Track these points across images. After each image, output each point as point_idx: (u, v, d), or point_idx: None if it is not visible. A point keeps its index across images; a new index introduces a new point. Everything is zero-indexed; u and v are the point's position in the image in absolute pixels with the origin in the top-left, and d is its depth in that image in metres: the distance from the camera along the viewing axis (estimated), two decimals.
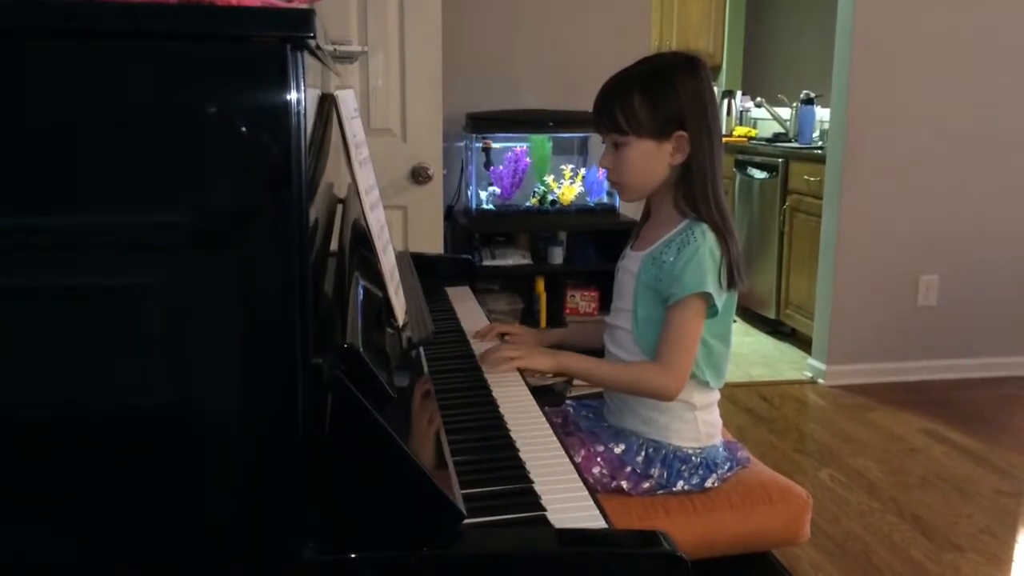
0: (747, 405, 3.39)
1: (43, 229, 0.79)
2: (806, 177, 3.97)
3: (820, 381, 3.65)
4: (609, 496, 1.42)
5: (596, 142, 3.03)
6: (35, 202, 0.78)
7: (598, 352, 1.60)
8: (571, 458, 1.18)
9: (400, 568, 0.85)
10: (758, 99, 5.39)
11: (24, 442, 0.82)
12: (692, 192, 1.44)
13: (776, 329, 4.36)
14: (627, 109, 1.42)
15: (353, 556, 0.84)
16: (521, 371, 1.51)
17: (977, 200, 3.60)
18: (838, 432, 3.12)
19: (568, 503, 1.03)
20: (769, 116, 5.11)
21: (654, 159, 1.44)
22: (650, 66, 1.46)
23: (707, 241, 1.40)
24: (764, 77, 5.76)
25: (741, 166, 4.62)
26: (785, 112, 4.93)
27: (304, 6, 0.80)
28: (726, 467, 1.50)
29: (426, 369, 1.45)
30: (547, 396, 1.43)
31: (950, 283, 3.64)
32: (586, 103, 1.51)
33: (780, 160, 4.23)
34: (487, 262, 3.07)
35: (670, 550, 0.88)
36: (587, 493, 1.07)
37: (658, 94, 1.41)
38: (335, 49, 1.55)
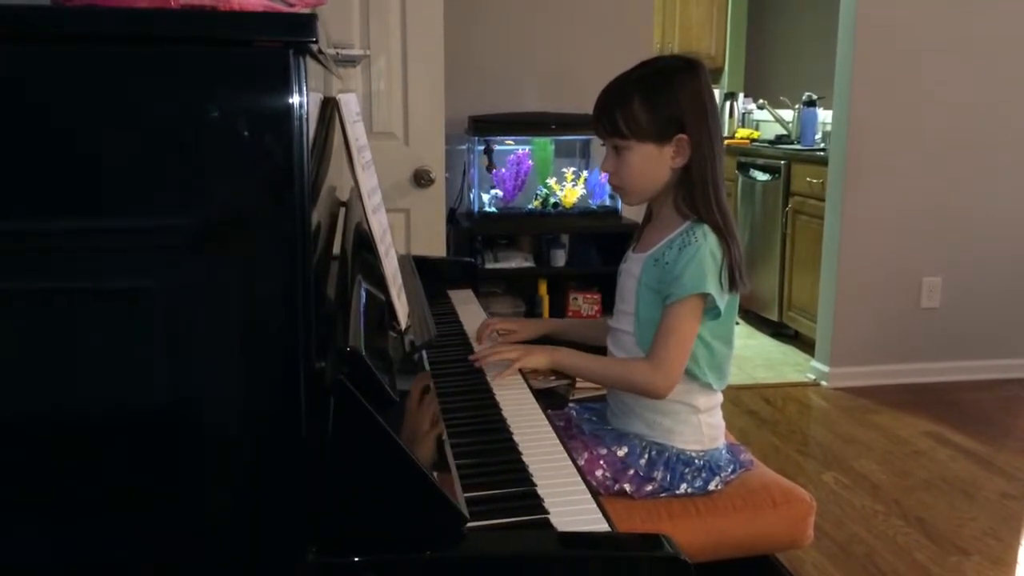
0: (750, 407, 3.38)
1: (46, 233, 0.79)
2: (808, 179, 3.96)
3: (823, 383, 3.64)
4: (612, 499, 1.42)
5: (598, 144, 3.02)
6: (39, 206, 0.79)
7: (598, 349, 1.60)
8: (574, 461, 1.18)
9: (403, 571, 0.85)
10: (760, 101, 5.39)
11: (28, 444, 0.82)
12: (693, 194, 1.44)
13: (779, 331, 4.35)
14: (627, 113, 1.42)
15: (356, 559, 0.84)
16: (523, 373, 1.52)
17: (980, 201, 3.60)
18: (841, 434, 3.11)
19: (571, 506, 1.03)
20: (771, 118, 5.11)
21: (655, 162, 1.44)
22: (649, 69, 1.45)
23: (708, 242, 1.40)
24: (766, 79, 5.76)
25: (743, 168, 4.62)
26: (787, 114, 4.92)
27: (306, 10, 0.80)
28: (729, 470, 1.50)
29: (429, 373, 1.45)
30: (550, 399, 1.43)
31: (953, 285, 3.63)
32: (588, 106, 1.51)
33: (782, 162, 4.23)
34: (489, 265, 3.07)
35: (673, 553, 0.88)
36: (590, 496, 1.07)
37: (658, 97, 1.41)
38: (337, 53, 1.55)
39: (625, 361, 1.49)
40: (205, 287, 0.81)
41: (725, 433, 1.56)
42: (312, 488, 0.84)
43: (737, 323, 1.54)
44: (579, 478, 1.12)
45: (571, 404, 1.69)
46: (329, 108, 1.14)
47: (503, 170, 3.10)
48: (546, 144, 3.12)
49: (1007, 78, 3.54)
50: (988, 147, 3.57)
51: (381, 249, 1.11)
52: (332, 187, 1.26)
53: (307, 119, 0.79)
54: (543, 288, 3.17)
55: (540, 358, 1.49)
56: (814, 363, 3.75)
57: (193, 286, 0.81)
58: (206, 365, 0.82)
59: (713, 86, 1.49)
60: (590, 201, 3.17)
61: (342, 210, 1.42)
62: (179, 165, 0.79)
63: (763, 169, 4.43)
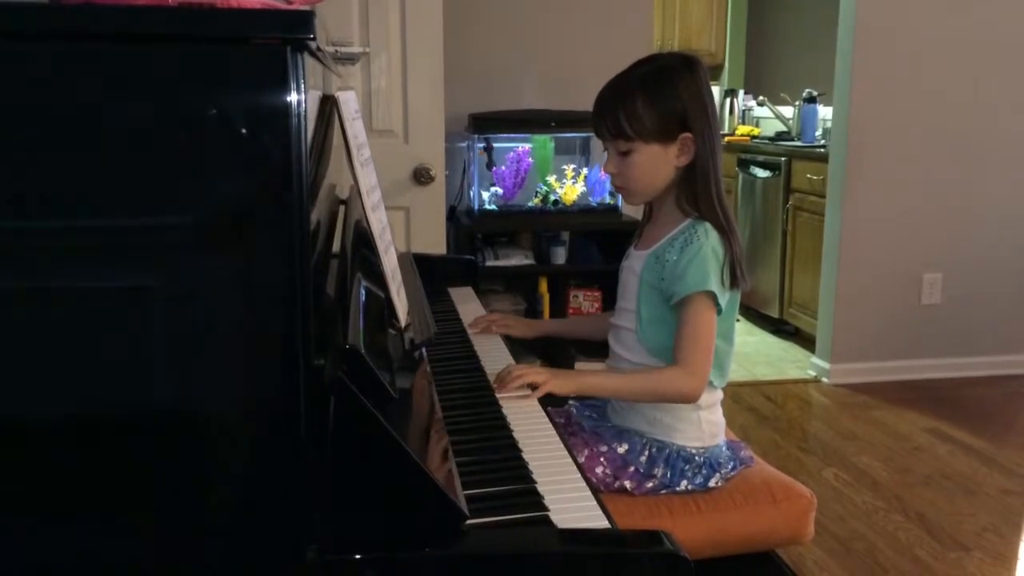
0: (751, 404, 3.38)
1: (46, 232, 0.79)
2: (809, 176, 3.96)
3: (824, 380, 3.64)
4: (612, 496, 1.42)
5: (598, 141, 3.03)
6: (38, 205, 0.79)
7: (598, 344, 1.60)
8: (574, 458, 1.18)
9: (403, 569, 0.85)
10: (760, 98, 5.38)
11: (28, 444, 0.82)
12: (695, 191, 1.43)
13: (780, 328, 4.35)
14: (631, 114, 1.40)
15: (356, 557, 0.84)
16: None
17: (980, 198, 3.60)
18: (842, 431, 3.11)
19: (571, 503, 1.03)
20: (772, 115, 5.11)
21: (661, 163, 1.43)
22: (649, 68, 1.44)
23: (710, 240, 1.40)
24: (766, 76, 5.75)
25: (744, 165, 4.62)
26: (788, 111, 4.92)
27: (304, 8, 0.80)
28: (730, 467, 1.50)
29: (429, 370, 1.45)
30: (550, 396, 1.43)
31: (954, 281, 3.63)
32: (588, 103, 1.50)
33: (783, 159, 4.23)
34: (490, 262, 3.07)
35: (673, 550, 0.88)
36: (590, 493, 1.07)
37: (661, 96, 1.40)
38: (336, 50, 1.55)
39: (654, 374, 1.44)
40: (204, 285, 0.81)
41: (725, 430, 1.56)
42: (312, 486, 0.83)
43: (738, 320, 1.54)
44: (579, 475, 1.12)
45: (571, 401, 1.69)
46: (328, 106, 1.14)
47: (503, 168, 3.10)
48: (546, 141, 3.12)
49: (1007, 77, 3.53)
50: (988, 143, 3.56)
51: (380, 246, 1.11)
52: (332, 185, 1.26)
53: (306, 117, 0.79)
54: (543, 286, 3.17)
55: (566, 384, 1.42)
56: (815, 360, 3.75)
57: (192, 284, 0.80)
58: (205, 363, 0.82)
59: (713, 83, 1.48)
60: (590, 198, 3.17)
61: (342, 208, 1.42)
62: (177, 163, 0.79)
63: (763, 166, 4.42)
